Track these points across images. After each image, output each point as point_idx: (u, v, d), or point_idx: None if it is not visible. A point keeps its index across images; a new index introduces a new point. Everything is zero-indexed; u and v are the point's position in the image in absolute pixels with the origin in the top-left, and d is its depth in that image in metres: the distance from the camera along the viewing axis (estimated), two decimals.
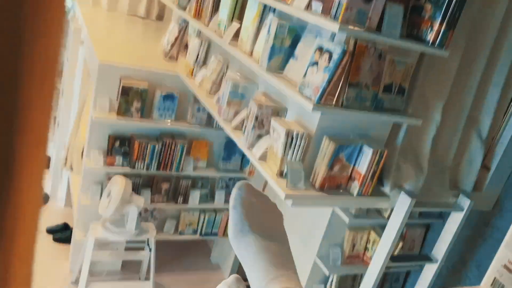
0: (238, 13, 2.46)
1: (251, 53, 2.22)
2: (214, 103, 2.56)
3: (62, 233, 3.80)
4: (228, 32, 2.41)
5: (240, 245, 0.66)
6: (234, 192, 0.71)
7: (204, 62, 2.95)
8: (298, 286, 0.61)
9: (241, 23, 2.36)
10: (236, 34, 2.38)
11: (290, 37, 1.91)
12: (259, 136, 2.03)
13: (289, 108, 2.01)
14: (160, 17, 4.93)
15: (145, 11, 4.82)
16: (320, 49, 1.65)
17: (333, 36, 1.73)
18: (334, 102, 1.64)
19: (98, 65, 2.91)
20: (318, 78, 1.62)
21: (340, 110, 1.66)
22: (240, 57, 2.22)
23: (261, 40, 2.13)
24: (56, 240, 3.74)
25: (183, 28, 3.36)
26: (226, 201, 3.60)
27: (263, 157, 1.95)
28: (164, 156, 3.15)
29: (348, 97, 1.65)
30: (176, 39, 3.40)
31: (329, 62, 1.59)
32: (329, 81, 1.58)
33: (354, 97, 1.66)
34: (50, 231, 3.83)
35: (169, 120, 3.11)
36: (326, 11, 1.61)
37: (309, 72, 1.68)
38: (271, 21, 1.91)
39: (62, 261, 3.53)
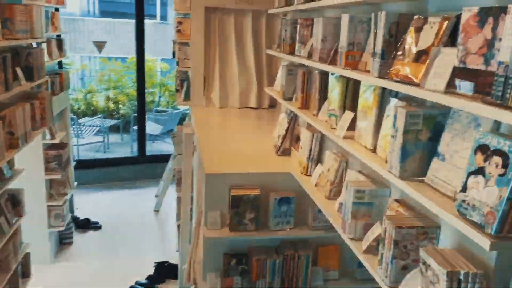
0: (351, 99, 2.00)
1: (373, 149, 1.71)
2: (336, 211, 2.05)
3: None
4: (341, 124, 1.94)
5: None
6: None
7: (319, 157, 2.50)
8: None
9: (355, 112, 1.89)
10: (352, 125, 1.90)
11: (428, 128, 1.36)
12: (404, 268, 1.44)
13: (443, 225, 1.40)
14: (272, 105, 4.74)
15: (257, 102, 4.67)
16: (483, 149, 1.07)
17: (497, 126, 1.14)
18: None
19: (205, 176, 2.66)
20: (490, 195, 1.02)
21: None
22: (360, 156, 1.72)
23: (385, 131, 1.61)
24: None
25: (293, 118, 3.00)
26: None
27: None
28: (287, 271, 2.67)
29: None
30: (286, 131, 3.05)
31: (505, 170, 1.00)
32: (510, 200, 0.98)
33: None
34: None
35: (288, 227, 2.66)
36: (480, 90, 1.06)
37: (471, 183, 1.09)
38: (396, 110, 1.40)
39: None
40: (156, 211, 6.02)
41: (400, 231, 1.40)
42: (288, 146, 3.03)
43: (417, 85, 1.29)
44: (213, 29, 4.39)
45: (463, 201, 1.11)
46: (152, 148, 8.23)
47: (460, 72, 1.13)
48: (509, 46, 0.96)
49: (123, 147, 8.74)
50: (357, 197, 1.73)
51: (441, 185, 1.27)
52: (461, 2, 1.34)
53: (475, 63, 1.08)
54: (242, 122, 4.24)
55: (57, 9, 4.74)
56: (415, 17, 1.40)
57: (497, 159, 1.02)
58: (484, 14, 1.06)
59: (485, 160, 1.06)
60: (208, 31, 4.37)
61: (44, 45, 3.91)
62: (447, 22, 1.28)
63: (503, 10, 1.00)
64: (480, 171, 1.07)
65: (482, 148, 1.07)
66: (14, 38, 2.81)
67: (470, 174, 1.10)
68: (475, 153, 1.09)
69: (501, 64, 0.99)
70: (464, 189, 1.11)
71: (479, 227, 1.05)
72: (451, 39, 1.31)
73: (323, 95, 2.29)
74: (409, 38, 1.39)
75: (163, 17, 16.06)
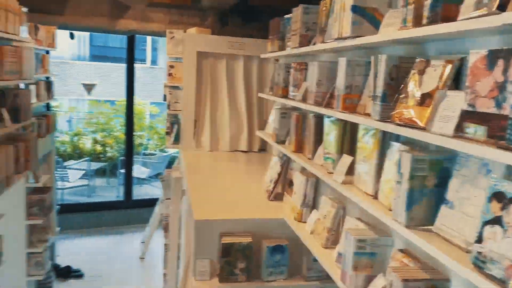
0: (348, 142, 1.95)
1: (375, 195, 1.63)
2: (334, 260, 1.94)
3: None
4: (339, 169, 1.87)
5: None
6: None
7: (314, 203, 2.41)
8: None
9: (353, 155, 1.83)
10: (350, 169, 1.84)
11: (435, 174, 1.30)
12: None
13: (453, 279, 1.31)
14: (263, 148, 4.68)
15: (247, 145, 4.61)
16: (499, 197, 1.00)
17: (510, 172, 1.08)
18: None
19: (194, 222, 2.54)
20: (510, 247, 0.95)
21: None
22: (361, 203, 1.64)
23: (387, 176, 1.54)
24: None
25: (286, 161, 2.93)
26: None
27: None
28: None
29: None
30: (279, 175, 2.97)
31: None
32: None
33: None
34: None
35: (281, 278, 2.52)
36: (493, 134, 1.00)
37: (487, 234, 1.01)
38: (400, 155, 1.34)
39: None
40: (142, 258, 5.78)
41: (407, 285, 1.30)
42: (281, 191, 2.94)
43: (422, 128, 1.24)
44: (204, 72, 4.39)
45: (479, 253, 1.02)
46: (139, 192, 8.05)
47: (469, 116, 1.09)
48: None
49: (108, 191, 8.53)
50: (359, 246, 1.64)
51: (451, 235, 1.19)
52: (460, 46, 1.33)
53: (486, 106, 1.03)
54: (233, 165, 4.16)
55: (47, 52, 4.73)
56: (417, 60, 1.37)
57: None
58: (493, 57, 1.02)
59: (502, 209, 0.98)
60: (200, 75, 4.37)
61: (32, 87, 3.85)
62: (451, 65, 1.25)
63: None
64: (497, 220, 0.99)
65: (498, 196, 1.00)
66: (1, 79, 2.74)
67: (485, 223, 1.02)
68: (490, 201, 1.02)
69: None
70: (479, 240, 1.03)
71: (499, 282, 0.96)
72: (455, 82, 1.28)
73: (318, 138, 2.24)
74: (412, 81, 1.35)
75: (154, 62, 16.30)
